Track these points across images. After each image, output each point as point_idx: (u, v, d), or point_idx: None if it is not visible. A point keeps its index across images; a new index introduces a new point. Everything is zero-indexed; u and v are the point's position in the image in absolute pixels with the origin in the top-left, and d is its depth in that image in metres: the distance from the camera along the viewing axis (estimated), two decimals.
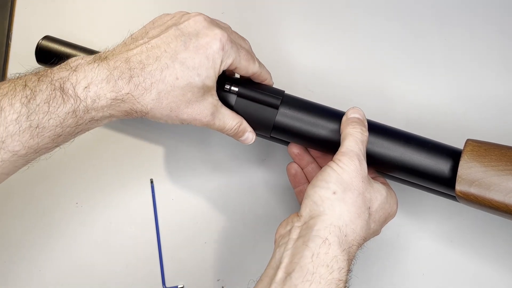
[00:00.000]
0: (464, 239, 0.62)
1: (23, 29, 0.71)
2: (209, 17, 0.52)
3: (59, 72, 0.46)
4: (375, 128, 0.55)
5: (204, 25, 0.51)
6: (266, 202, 0.64)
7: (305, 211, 0.50)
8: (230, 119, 0.54)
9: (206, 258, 0.63)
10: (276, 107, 0.55)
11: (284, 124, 0.55)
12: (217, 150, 0.66)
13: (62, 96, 0.45)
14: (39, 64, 0.63)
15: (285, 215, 0.64)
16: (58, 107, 0.45)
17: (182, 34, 0.50)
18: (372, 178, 0.56)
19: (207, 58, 0.50)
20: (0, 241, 0.63)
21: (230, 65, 0.52)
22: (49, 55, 0.62)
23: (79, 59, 0.48)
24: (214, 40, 0.50)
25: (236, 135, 0.56)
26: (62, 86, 0.46)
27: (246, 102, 0.55)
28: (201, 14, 0.52)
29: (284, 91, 0.56)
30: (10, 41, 0.71)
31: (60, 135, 0.46)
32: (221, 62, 0.51)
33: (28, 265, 0.63)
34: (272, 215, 0.64)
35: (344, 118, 0.54)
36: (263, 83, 0.57)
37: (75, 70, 0.47)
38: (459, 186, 0.51)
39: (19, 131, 0.44)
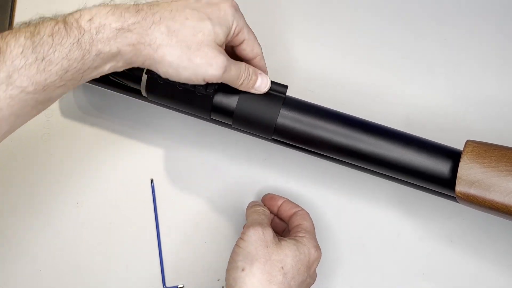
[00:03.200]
0: (464, 239, 0.62)
1: None
2: None
3: (62, 15, 0.46)
4: (374, 130, 0.55)
5: None
6: None
7: None
8: (239, 64, 0.53)
9: (206, 258, 0.63)
10: (283, 93, 0.55)
11: (286, 126, 0.55)
12: (217, 150, 0.66)
13: (66, 28, 0.44)
14: None
15: None
16: (62, 39, 0.44)
17: None
18: (281, 236, 0.58)
19: (219, 10, 0.50)
20: (0, 241, 0.63)
21: (240, 32, 0.52)
22: None
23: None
24: (226, 2, 0.51)
25: (248, 81, 0.54)
26: (65, 20, 0.45)
27: (250, 101, 0.55)
28: None
29: (288, 86, 0.56)
30: None
31: (67, 71, 0.44)
32: (233, 21, 0.51)
33: (28, 265, 0.63)
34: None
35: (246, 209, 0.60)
36: (261, 70, 0.56)
37: (79, 10, 0.46)
38: (459, 187, 0.51)
39: (25, 64, 0.43)
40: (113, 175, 0.65)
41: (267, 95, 0.55)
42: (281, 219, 0.61)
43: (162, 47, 0.47)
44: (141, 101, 0.63)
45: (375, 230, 0.63)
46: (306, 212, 0.59)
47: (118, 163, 0.65)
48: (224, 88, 0.55)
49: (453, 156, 0.53)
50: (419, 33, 0.68)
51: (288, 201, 0.61)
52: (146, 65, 0.49)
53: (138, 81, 0.56)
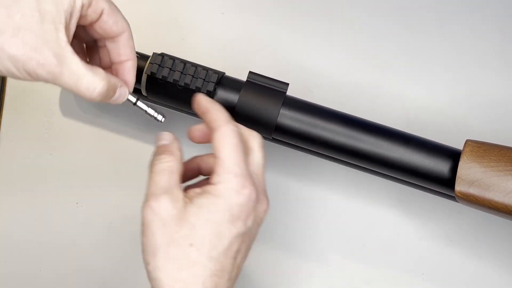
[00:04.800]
0: (464, 239, 0.62)
1: None
2: None
3: None
4: (374, 129, 0.55)
5: None
6: None
7: None
8: (89, 72, 0.41)
9: None
10: (284, 91, 0.55)
11: (286, 125, 0.55)
12: None
13: None
14: None
15: (285, 215, 0.64)
16: None
17: None
18: (191, 192, 0.44)
19: None
20: (0, 241, 0.63)
21: (90, 4, 0.41)
22: None
23: None
24: None
25: (104, 95, 0.42)
26: None
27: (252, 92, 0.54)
28: None
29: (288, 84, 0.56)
30: None
31: None
32: None
33: (28, 265, 0.63)
34: (272, 214, 0.64)
35: None
36: (129, 52, 0.46)
37: None
38: (459, 187, 0.51)
39: None
40: (113, 175, 0.65)
41: (267, 93, 0.55)
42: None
43: None
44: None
45: (375, 229, 0.63)
46: (227, 129, 0.44)
47: (118, 163, 0.65)
48: (224, 87, 0.55)
49: (452, 155, 0.53)
50: (419, 33, 0.68)
51: (211, 110, 0.46)
52: None
53: (138, 81, 0.56)
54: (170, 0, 0.70)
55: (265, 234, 0.63)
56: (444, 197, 0.56)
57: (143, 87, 0.56)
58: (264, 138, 0.58)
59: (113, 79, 0.44)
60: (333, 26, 0.69)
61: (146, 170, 0.65)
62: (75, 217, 0.64)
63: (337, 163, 0.58)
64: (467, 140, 0.53)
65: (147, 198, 0.43)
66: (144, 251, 0.43)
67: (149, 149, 0.65)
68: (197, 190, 0.44)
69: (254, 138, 0.47)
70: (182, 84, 0.54)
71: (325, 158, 0.58)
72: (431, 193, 0.56)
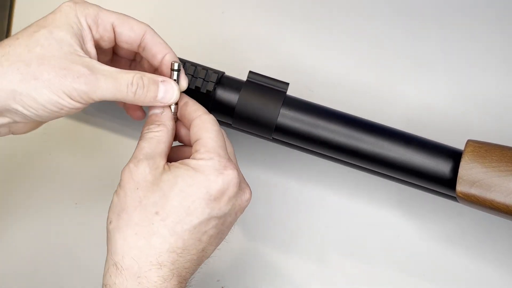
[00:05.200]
0: (464, 239, 0.62)
1: None
2: None
3: None
4: (375, 129, 0.55)
5: None
6: (266, 202, 0.64)
7: None
8: (123, 72, 0.42)
9: None
10: (284, 90, 0.54)
11: (286, 125, 0.55)
12: None
13: None
14: None
15: (285, 215, 0.64)
16: None
17: None
18: (171, 164, 0.43)
19: (54, 15, 0.41)
20: (0, 242, 0.63)
21: (99, 20, 0.42)
22: None
23: None
24: (63, 4, 0.42)
25: (144, 93, 0.43)
26: None
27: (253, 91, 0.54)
28: None
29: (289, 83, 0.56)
30: None
31: None
32: (76, 16, 0.41)
33: (28, 266, 0.62)
34: (272, 215, 0.64)
35: None
36: (158, 48, 0.46)
37: None
38: (460, 187, 0.51)
39: None
40: (113, 175, 0.65)
41: (268, 92, 0.55)
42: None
43: (20, 88, 0.38)
44: None
45: (375, 230, 0.63)
46: (209, 117, 0.45)
47: (118, 163, 0.65)
48: (224, 87, 0.55)
49: (454, 156, 0.53)
50: (419, 33, 0.68)
51: (190, 102, 0.46)
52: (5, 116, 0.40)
53: None
54: (170, 0, 0.70)
55: (265, 234, 0.63)
56: (445, 198, 0.56)
57: None
58: (264, 138, 0.58)
59: (150, 74, 0.43)
60: (334, 26, 0.69)
61: None
62: (74, 218, 0.64)
63: (337, 163, 0.58)
64: (468, 140, 0.52)
65: (129, 160, 0.43)
66: (110, 209, 0.42)
67: None
68: (176, 163, 0.43)
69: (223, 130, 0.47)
70: None
71: (325, 158, 0.58)
72: (431, 193, 0.56)
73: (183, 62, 0.54)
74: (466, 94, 0.66)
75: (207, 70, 0.54)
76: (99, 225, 0.63)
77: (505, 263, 0.61)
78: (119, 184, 0.43)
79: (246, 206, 0.45)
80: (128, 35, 0.44)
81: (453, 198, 0.54)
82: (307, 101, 0.56)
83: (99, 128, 0.66)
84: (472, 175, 0.50)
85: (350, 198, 0.64)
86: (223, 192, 0.42)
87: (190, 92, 0.54)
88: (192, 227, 0.41)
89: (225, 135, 0.47)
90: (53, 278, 0.62)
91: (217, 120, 0.57)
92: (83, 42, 0.42)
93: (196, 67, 0.54)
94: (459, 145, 0.54)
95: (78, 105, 0.41)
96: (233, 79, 0.56)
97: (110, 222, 0.42)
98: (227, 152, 0.44)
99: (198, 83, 0.54)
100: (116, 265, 0.40)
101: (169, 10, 0.65)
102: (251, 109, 0.54)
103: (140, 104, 0.43)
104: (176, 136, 0.48)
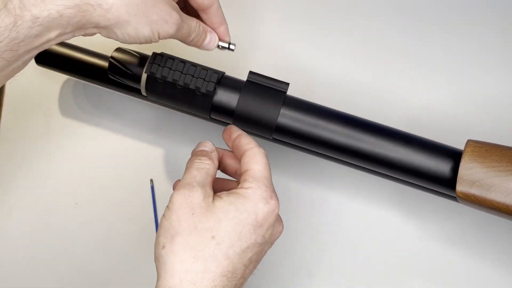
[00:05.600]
0: (464, 239, 0.62)
1: None
2: None
3: None
4: (375, 129, 0.55)
5: None
6: None
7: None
8: (191, 20, 0.50)
9: None
10: (284, 90, 0.54)
11: (286, 125, 0.55)
12: None
13: None
14: (38, 66, 0.63)
15: (285, 215, 0.63)
16: None
17: None
18: (220, 193, 0.46)
19: None
20: (0, 242, 0.63)
21: None
22: (49, 56, 0.61)
23: None
24: None
25: (198, 38, 0.51)
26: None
27: (254, 90, 0.54)
28: None
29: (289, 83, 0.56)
30: None
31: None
32: None
33: (28, 266, 0.62)
34: None
35: None
36: (219, 21, 0.53)
37: None
38: (460, 187, 0.51)
39: None
40: (113, 175, 0.65)
41: (268, 92, 0.55)
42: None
43: (117, 6, 0.42)
44: (141, 100, 0.63)
45: (375, 230, 0.63)
46: (259, 150, 0.49)
47: (118, 163, 0.65)
48: (224, 87, 0.55)
49: (454, 156, 0.53)
50: (419, 33, 0.68)
51: (243, 135, 0.51)
52: (101, 27, 0.44)
53: (138, 80, 0.56)
54: None
55: None
56: (445, 198, 0.56)
57: (142, 87, 0.56)
58: (265, 138, 0.58)
59: (203, 24, 0.52)
60: (334, 26, 0.69)
61: (145, 170, 0.65)
62: (74, 217, 0.64)
63: (337, 163, 0.58)
64: (468, 140, 0.52)
65: (182, 185, 0.45)
66: (161, 234, 0.44)
67: (149, 148, 0.66)
68: (226, 192, 0.46)
69: None
70: (182, 84, 0.53)
71: (325, 158, 0.58)
72: (432, 193, 0.56)
73: (183, 62, 0.54)
74: (466, 94, 0.66)
75: (207, 70, 0.54)
76: (99, 225, 0.64)
77: (505, 263, 0.61)
78: (169, 208, 0.44)
79: (278, 238, 0.48)
80: (202, 1, 0.51)
81: (453, 198, 0.54)
82: (307, 101, 0.56)
83: (98, 128, 0.66)
84: (472, 175, 0.50)
85: (350, 198, 0.64)
86: (267, 219, 0.45)
87: (190, 92, 0.54)
88: (241, 251, 0.43)
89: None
90: (53, 278, 0.62)
91: (217, 120, 0.58)
92: None
93: (196, 67, 0.54)
94: (459, 145, 0.54)
95: (159, 40, 0.47)
96: (233, 79, 0.56)
97: (163, 247, 0.43)
98: (272, 184, 0.47)
99: (199, 83, 0.54)
100: None
101: None
102: (251, 109, 0.54)
103: (190, 45, 0.52)
104: (221, 166, 0.52)
